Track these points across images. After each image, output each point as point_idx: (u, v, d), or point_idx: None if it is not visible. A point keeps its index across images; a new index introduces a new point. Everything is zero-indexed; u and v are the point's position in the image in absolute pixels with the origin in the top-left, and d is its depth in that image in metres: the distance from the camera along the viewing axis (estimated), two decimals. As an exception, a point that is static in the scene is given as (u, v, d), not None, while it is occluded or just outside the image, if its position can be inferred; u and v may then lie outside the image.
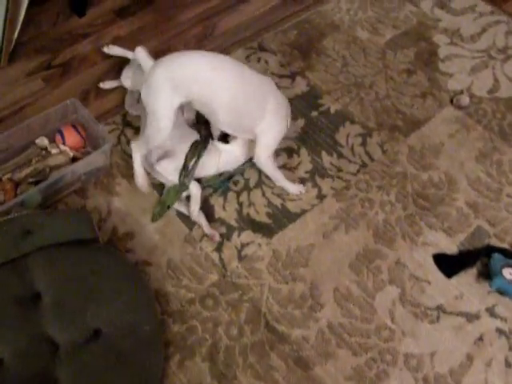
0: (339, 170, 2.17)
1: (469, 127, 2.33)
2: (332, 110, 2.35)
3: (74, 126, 2.13)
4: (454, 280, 1.93)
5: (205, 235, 1.98)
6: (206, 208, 2.04)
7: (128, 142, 2.18)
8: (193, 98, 1.87)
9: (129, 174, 2.10)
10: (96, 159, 2.04)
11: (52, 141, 2.12)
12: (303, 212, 2.05)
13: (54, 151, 2.08)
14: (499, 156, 2.24)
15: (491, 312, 1.87)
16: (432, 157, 2.22)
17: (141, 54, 1.99)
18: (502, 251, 1.97)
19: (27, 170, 2.00)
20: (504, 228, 2.05)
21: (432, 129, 2.31)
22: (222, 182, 2.10)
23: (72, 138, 2.12)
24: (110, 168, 2.12)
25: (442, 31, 2.72)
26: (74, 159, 2.09)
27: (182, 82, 1.82)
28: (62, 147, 2.08)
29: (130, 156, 2.08)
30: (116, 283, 1.76)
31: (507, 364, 1.77)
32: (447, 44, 2.66)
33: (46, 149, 2.09)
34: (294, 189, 2.09)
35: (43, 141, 2.10)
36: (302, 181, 2.13)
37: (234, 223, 2.02)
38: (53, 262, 1.75)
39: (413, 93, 2.44)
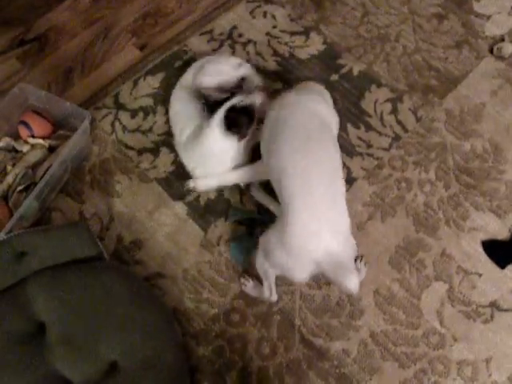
0: (369, 145, 1.90)
1: (513, 81, 2.03)
2: (355, 72, 2.05)
3: (36, 112, 1.86)
4: (508, 270, 1.70)
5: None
6: (220, 205, 1.79)
7: (124, 128, 1.91)
8: None
9: (129, 168, 1.84)
10: (78, 140, 1.78)
11: (18, 137, 1.85)
12: (332, 201, 1.80)
13: (25, 148, 1.81)
14: (550, 115, 1.96)
15: (550, 305, 1.66)
16: (473, 121, 1.94)
17: None
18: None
19: (8, 180, 1.74)
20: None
21: (471, 86, 2.01)
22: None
23: (39, 125, 1.85)
24: (103, 161, 1.86)
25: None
26: (52, 148, 1.84)
27: None
28: (33, 140, 1.83)
29: (130, 147, 1.87)
30: (128, 308, 1.54)
31: None
32: (482, -23, 2.30)
33: (14, 149, 1.82)
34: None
35: (8, 142, 1.82)
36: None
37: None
38: (54, 288, 1.55)
39: (446, 43, 2.11)
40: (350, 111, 1.95)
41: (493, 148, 1.89)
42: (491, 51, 2.07)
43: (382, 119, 1.94)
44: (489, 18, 2.19)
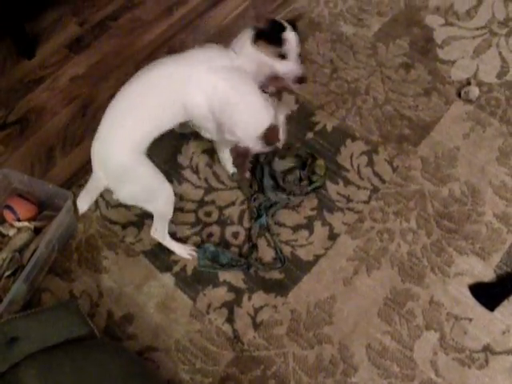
0: (349, 199, 1.93)
1: (483, 122, 2.07)
2: (329, 128, 2.09)
3: (20, 195, 1.89)
4: (498, 312, 1.71)
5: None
6: (207, 274, 1.80)
7: (107, 204, 1.94)
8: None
9: (115, 243, 1.86)
10: (63, 220, 1.81)
11: (3, 221, 1.88)
12: (317, 258, 1.82)
13: (11, 232, 1.84)
14: (523, 152, 2.00)
15: (544, 344, 1.66)
16: (449, 166, 1.97)
17: None
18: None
19: (-4, 266, 1.76)
20: (542, 239, 1.83)
21: (443, 132, 2.06)
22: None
23: (24, 208, 1.87)
24: (88, 237, 1.88)
25: (434, 10, 2.43)
26: (38, 230, 1.86)
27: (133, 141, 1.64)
28: (19, 224, 1.85)
29: (114, 222, 1.88)
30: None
31: None
32: (442, 25, 2.38)
33: (1, 234, 1.85)
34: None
35: (-7, 227, 1.86)
36: (310, 220, 1.89)
37: (241, 284, 1.78)
38: (47, 372, 1.53)
39: (415, 91, 2.17)
40: (328, 168, 1.98)
41: (470, 190, 1.92)
42: (459, 95, 2.13)
43: (359, 172, 1.98)
44: (453, 63, 2.25)
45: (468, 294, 1.74)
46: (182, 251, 1.84)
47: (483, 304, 1.73)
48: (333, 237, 1.85)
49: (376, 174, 1.97)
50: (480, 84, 2.16)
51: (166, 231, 1.82)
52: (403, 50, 2.30)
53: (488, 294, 1.75)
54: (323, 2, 2.48)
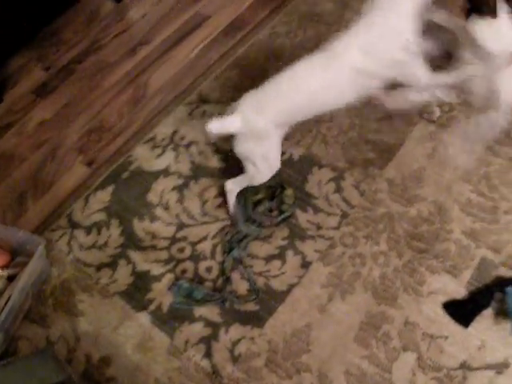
0: (319, 227, 1.95)
1: (446, 141, 2.11)
2: (295, 157, 2.12)
3: None
4: (472, 328, 1.72)
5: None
6: (182, 310, 1.81)
7: (80, 247, 1.95)
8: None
9: (89, 286, 1.87)
10: (35, 266, 1.82)
11: None
12: (290, 288, 1.83)
13: (-16, 281, 1.84)
14: (485, 168, 2.03)
15: (521, 355, 1.68)
16: (415, 187, 2.01)
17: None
18: (514, 282, 1.78)
19: (-28, 318, 1.74)
20: (509, 253, 1.85)
21: (408, 153, 2.09)
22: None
23: None
24: (63, 281, 1.88)
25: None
26: (11, 277, 1.86)
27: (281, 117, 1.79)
28: None
29: (88, 264, 1.89)
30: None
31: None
32: (401, 49, 2.42)
33: None
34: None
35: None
36: (281, 249, 1.90)
37: (217, 319, 1.79)
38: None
39: (378, 115, 2.20)
40: (297, 196, 2.00)
41: (437, 209, 1.95)
42: (421, 115, 2.17)
43: (327, 199, 2.00)
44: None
45: (442, 312, 1.76)
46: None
47: (457, 321, 1.74)
48: (305, 265, 1.87)
49: (344, 200, 1.99)
50: (440, 104, 2.21)
51: (239, 189, 1.95)
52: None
53: (461, 311, 1.76)
54: (283, 32, 2.54)
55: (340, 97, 1.81)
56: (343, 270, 1.85)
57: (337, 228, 1.93)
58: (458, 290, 1.79)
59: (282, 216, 1.94)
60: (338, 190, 2.02)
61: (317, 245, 1.90)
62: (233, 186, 1.93)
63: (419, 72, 1.82)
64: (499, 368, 1.66)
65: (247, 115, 1.75)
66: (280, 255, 1.90)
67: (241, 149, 1.81)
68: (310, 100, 1.78)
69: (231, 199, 1.96)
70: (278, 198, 1.97)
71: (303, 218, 1.97)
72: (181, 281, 1.85)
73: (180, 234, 1.98)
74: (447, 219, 1.93)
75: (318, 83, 1.75)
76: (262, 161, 1.80)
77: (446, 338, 1.71)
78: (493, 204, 1.95)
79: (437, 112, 2.15)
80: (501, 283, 1.78)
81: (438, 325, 1.74)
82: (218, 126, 1.78)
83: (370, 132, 2.16)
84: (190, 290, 1.83)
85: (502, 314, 1.73)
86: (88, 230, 2.02)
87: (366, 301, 1.79)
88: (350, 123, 2.19)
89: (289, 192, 1.98)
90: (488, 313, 1.74)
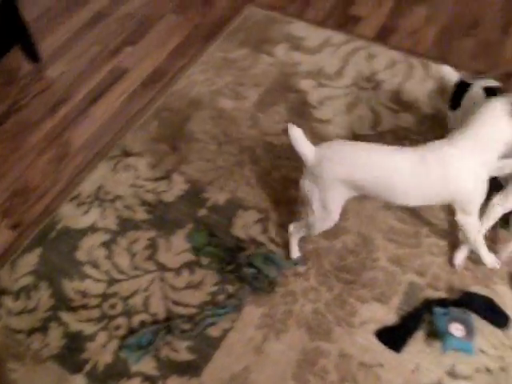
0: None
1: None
2: (220, 202, 2.15)
3: None
4: (405, 352, 1.77)
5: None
6: (119, 365, 1.78)
7: (9, 313, 1.91)
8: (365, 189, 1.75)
9: (21, 353, 1.82)
10: None
11: None
12: (225, 332, 1.83)
13: None
14: (405, 195, 2.11)
15: (452, 374, 1.72)
16: (340, 220, 2.05)
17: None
18: (441, 302, 1.83)
19: None
20: (434, 274, 1.92)
21: (329, 188, 2.15)
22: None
23: None
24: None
25: (306, 75, 2.58)
26: None
27: (356, 181, 1.71)
28: None
29: (18, 331, 1.87)
30: None
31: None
32: (315, 87, 2.52)
33: None
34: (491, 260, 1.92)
35: None
36: (213, 296, 1.91)
37: (154, 372, 1.76)
38: None
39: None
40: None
41: (362, 240, 2.00)
42: None
43: (255, 242, 2.02)
44: (329, 121, 2.38)
45: (375, 340, 1.79)
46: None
47: (390, 347, 1.78)
48: (239, 306, 1.87)
49: (271, 241, 2.02)
50: (356, 137, 2.29)
51: (298, 234, 1.94)
52: (282, 115, 2.41)
53: (393, 337, 1.80)
54: (200, 80, 2.59)
55: (412, 200, 1.76)
56: (275, 310, 1.86)
57: (265, 268, 1.96)
58: (388, 316, 1.84)
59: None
60: (265, 230, 2.05)
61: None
62: (293, 230, 1.95)
63: None
64: (434, 389, 1.70)
65: (321, 158, 1.72)
66: (212, 301, 1.90)
67: (304, 184, 1.79)
68: (384, 186, 1.72)
69: (293, 243, 1.97)
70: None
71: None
72: (125, 341, 1.83)
73: (111, 290, 1.95)
74: (372, 248, 1.99)
75: (400, 176, 1.69)
76: (320, 207, 1.76)
77: (382, 365, 1.75)
78: (415, 229, 2.02)
79: None
80: (428, 305, 1.84)
81: (372, 353, 1.77)
82: (297, 136, 1.75)
83: (292, 171, 2.21)
84: (138, 340, 1.80)
85: (432, 335, 1.79)
86: (16, 295, 1.97)
87: (301, 338, 1.81)
88: (272, 164, 2.24)
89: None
90: (419, 335, 1.80)
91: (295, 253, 1.97)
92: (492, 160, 1.67)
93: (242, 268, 1.92)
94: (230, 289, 1.91)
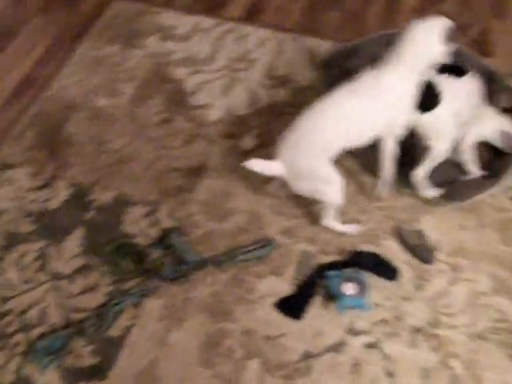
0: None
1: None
2: (107, 201, 2.11)
3: None
4: (305, 319, 1.82)
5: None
6: (21, 381, 1.73)
7: None
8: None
9: None
10: None
11: None
12: (127, 330, 1.82)
13: None
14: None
15: (352, 331, 1.80)
16: (227, 201, 2.08)
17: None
18: (333, 265, 1.91)
19: None
20: (324, 240, 1.99)
21: (214, 171, 2.17)
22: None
23: None
24: None
25: (180, 63, 2.57)
26: None
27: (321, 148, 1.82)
28: None
29: None
30: None
31: (388, 374, 1.71)
32: (190, 74, 2.52)
33: None
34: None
35: None
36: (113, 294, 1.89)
37: (60, 382, 1.73)
38: None
39: (180, 142, 2.27)
40: (117, 242, 2.00)
41: (252, 216, 2.04)
42: None
43: (147, 235, 2.02)
44: (208, 106, 2.39)
45: (275, 312, 1.84)
46: (351, 229, 2.01)
47: (290, 316, 1.83)
48: (138, 304, 1.86)
49: (164, 230, 2.02)
50: (236, 117, 2.32)
51: (333, 216, 1.96)
52: (159, 107, 2.40)
53: (291, 306, 1.85)
54: (73, 82, 2.53)
55: (371, 131, 1.89)
56: (174, 299, 1.87)
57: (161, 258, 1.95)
58: (285, 287, 1.89)
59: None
60: (156, 222, 2.04)
61: (147, 282, 1.90)
62: (328, 221, 1.98)
63: None
64: (337, 348, 1.77)
65: (288, 160, 1.82)
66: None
67: (300, 190, 1.88)
68: (348, 131, 1.85)
69: (338, 227, 2.00)
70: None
71: (125, 263, 1.95)
72: (35, 345, 1.78)
73: (4, 308, 1.89)
74: (263, 225, 2.02)
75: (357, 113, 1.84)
76: (323, 185, 1.85)
77: (285, 335, 1.80)
78: (302, 199, 2.06)
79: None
80: (321, 270, 1.90)
81: (274, 325, 1.82)
82: (259, 166, 1.83)
83: (176, 159, 2.21)
84: (49, 344, 1.77)
85: (328, 298, 1.86)
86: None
87: (203, 322, 1.82)
88: (155, 155, 2.23)
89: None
90: (317, 300, 1.86)
91: (351, 227, 2.02)
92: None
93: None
94: (127, 285, 1.90)
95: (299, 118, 1.85)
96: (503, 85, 2.16)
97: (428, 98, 1.93)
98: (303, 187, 1.87)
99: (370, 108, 1.83)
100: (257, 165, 1.83)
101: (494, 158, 2.11)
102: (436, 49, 1.81)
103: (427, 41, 1.80)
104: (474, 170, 2.06)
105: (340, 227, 2.00)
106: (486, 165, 2.08)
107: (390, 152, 1.94)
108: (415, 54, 1.81)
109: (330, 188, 1.86)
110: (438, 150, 2.00)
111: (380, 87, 1.82)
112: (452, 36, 1.81)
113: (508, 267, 1.93)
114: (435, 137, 2.00)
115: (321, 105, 1.85)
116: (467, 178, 2.05)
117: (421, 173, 1.99)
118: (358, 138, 1.88)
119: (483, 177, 2.04)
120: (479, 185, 2.01)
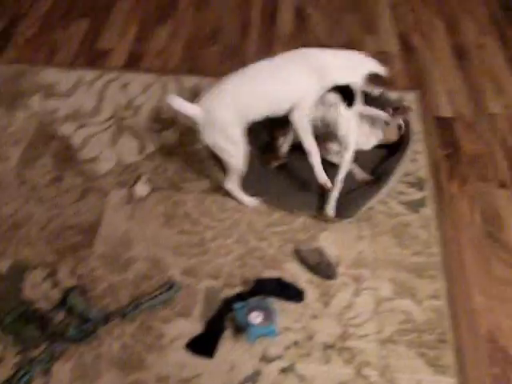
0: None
1: (142, 200, 2.24)
2: (4, 270, 2.05)
3: None
4: (218, 355, 1.83)
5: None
6: None
7: None
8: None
9: None
10: None
11: None
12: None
13: None
14: (183, 208, 2.20)
15: (266, 358, 1.82)
16: (127, 250, 2.08)
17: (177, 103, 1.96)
18: (239, 297, 1.93)
19: None
20: (227, 273, 2.02)
21: (110, 223, 2.17)
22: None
23: None
24: None
25: (65, 119, 2.56)
26: None
27: (240, 108, 1.98)
28: None
29: None
30: None
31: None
32: (76, 129, 2.52)
33: None
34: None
35: None
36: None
37: None
38: None
39: (72, 199, 2.25)
40: (21, 312, 1.92)
41: (153, 262, 2.04)
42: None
43: (48, 298, 1.97)
44: (96, 159, 2.39)
45: (187, 354, 1.83)
46: (248, 201, 2.19)
47: (203, 355, 1.83)
48: (47, 370, 1.81)
49: (64, 291, 1.98)
50: (126, 166, 2.33)
51: (236, 184, 2.13)
52: (48, 166, 2.37)
53: (202, 345, 1.85)
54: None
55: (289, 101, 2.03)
56: (83, 360, 1.82)
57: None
58: (194, 327, 1.89)
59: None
60: (56, 284, 2.00)
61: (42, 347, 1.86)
62: (231, 185, 2.14)
63: None
64: (254, 378, 1.78)
65: (209, 106, 1.95)
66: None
67: (206, 140, 2.01)
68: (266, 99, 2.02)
69: (239, 195, 2.18)
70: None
71: (35, 333, 1.89)
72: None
73: None
74: (164, 268, 2.03)
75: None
76: (230, 145, 2.00)
77: (200, 375, 1.79)
78: (199, 237, 2.10)
79: (145, 190, 2.28)
80: (228, 303, 1.92)
81: (188, 367, 1.81)
82: (178, 103, 1.94)
83: (69, 217, 2.19)
84: None
85: (237, 330, 1.87)
86: None
87: (116, 377, 1.79)
88: (48, 216, 2.20)
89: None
90: (227, 335, 1.87)
91: (249, 199, 2.19)
92: None
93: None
94: (34, 353, 1.84)
95: (233, 73, 2.02)
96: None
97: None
98: (213, 140, 2.00)
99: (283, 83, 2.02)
100: (177, 102, 1.94)
101: (378, 162, 2.22)
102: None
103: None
104: (362, 174, 2.16)
105: (240, 195, 2.17)
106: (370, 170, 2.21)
107: (300, 124, 2.06)
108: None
109: (234, 149, 2.02)
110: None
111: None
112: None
113: (406, 269, 2.01)
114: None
115: (255, 66, 2.04)
116: (352, 188, 2.14)
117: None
118: (275, 108, 2.04)
119: (367, 185, 2.14)
120: (365, 194, 2.11)
